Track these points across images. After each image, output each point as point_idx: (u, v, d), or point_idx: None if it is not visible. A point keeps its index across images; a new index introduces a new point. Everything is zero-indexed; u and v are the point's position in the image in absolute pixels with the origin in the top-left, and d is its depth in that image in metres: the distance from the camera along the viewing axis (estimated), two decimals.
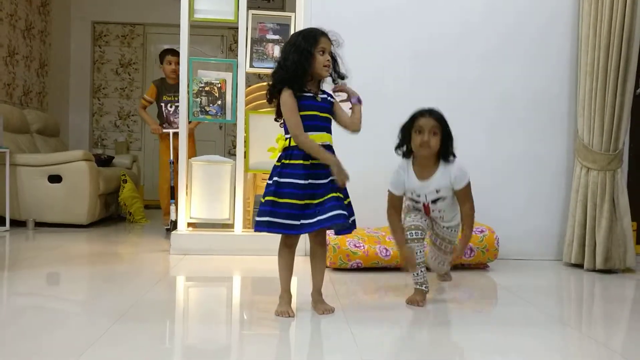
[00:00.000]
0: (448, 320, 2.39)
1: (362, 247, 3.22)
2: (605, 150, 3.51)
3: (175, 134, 4.51)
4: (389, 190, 2.60)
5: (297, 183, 2.20)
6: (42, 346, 1.87)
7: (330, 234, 3.26)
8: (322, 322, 2.25)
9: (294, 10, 3.87)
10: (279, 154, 2.32)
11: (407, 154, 2.57)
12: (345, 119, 2.37)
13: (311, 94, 2.27)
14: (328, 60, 2.27)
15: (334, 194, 2.21)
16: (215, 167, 3.83)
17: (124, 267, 3.35)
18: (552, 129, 3.81)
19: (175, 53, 4.72)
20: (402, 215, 2.64)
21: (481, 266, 3.46)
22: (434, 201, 2.56)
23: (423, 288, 2.55)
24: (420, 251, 2.53)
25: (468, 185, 2.54)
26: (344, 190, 2.29)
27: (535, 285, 3.14)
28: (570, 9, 3.76)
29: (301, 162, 2.23)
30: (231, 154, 7.08)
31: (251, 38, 3.82)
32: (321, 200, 2.21)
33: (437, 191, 2.53)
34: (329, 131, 2.32)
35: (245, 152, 3.77)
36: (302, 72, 2.23)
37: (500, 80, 3.79)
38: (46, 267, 3.23)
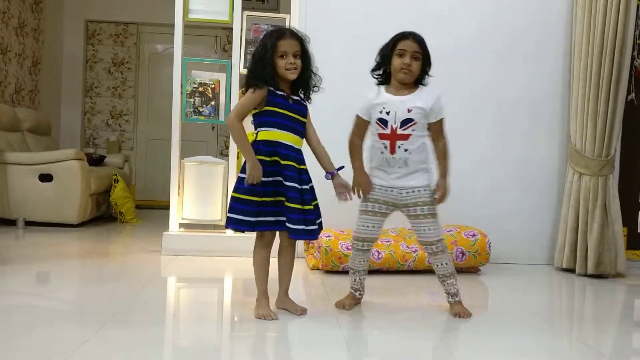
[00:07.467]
0: (439, 323, 2.38)
1: None
2: (597, 156, 3.52)
3: None
4: (356, 115, 2.42)
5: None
6: (31, 345, 1.86)
7: (322, 236, 3.27)
8: (314, 324, 2.24)
9: (288, 12, 3.86)
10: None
11: (385, 79, 2.39)
12: (313, 135, 2.35)
13: (284, 94, 2.25)
14: (291, 62, 2.21)
15: (298, 206, 2.18)
16: (208, 167, 3.81)
17: (114, 267, 3.33)
18: (544, 134, 3.81)
19: None
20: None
21: (473, 270, 3.47)
22: (404, 126, 2.30)
23: (357, 294, 2.51)
24: (365, 260, 2.46)
25: (444, 121, 2.37)
26: (309, 194, 2.24)
27: (526, 290, 3.14)
28: (564, 16, 3.77)
29: (263, 157, 2.20)
30: (223, 154, 7.05)
31: (245, 39, 3.81)
32: (288, 205, 2.18)
33: (410, 110, 2.30)
34: (297, 134, 2.27)
35: (237, 153, 3.76)
36: (269, 77, 2.20)
37: (494, 86, 3.79)
38: (36, 266, 3.19)
